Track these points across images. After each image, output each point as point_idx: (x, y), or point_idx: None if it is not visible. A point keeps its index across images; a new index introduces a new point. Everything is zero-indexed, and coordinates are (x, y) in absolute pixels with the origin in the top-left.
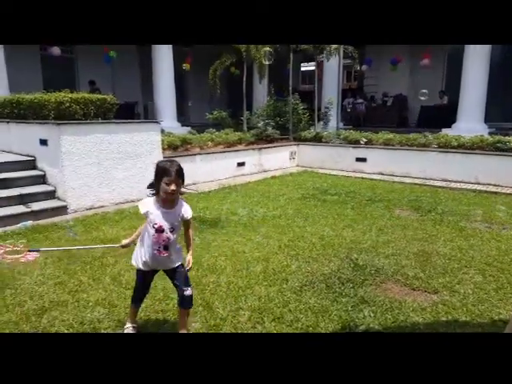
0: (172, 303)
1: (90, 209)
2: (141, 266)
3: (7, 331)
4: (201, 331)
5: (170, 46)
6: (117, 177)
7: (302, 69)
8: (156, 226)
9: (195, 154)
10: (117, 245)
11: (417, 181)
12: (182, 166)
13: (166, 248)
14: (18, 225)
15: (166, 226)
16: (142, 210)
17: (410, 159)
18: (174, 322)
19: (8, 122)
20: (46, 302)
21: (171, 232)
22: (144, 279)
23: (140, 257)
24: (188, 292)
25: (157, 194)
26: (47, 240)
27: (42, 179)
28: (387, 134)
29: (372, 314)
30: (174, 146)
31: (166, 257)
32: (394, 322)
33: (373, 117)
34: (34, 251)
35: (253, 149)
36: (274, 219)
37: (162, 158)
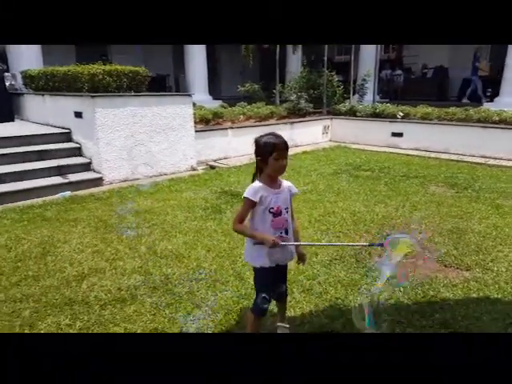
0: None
1: (125, 181)
2: (267, 262)
3: (49, 295)
4: (232, 300)
5: None
6: (150, 150)
7: None
8: (273, 210)
9: (226, 128)
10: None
11: (454, 157)
12: (215, 139)
13: (287, 232)
14: (57, 195)
15: (282, 206)
16: (256, 198)
17: (449, 134)
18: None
19: (43, 95)
20: (85, 268)
21: (287, 213)
22: (268, 280)
23: (261, 251)
24: (284, 288)
25: (261, 174)
26: (84, 210)
27: (77, 151)
28: (425, 107)
29: (402, 289)
30: (205, 120)
31: (288, 239)
32: (423, 297)
33: (411, 89)
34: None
35: (284, 123)
36: (304, 194)
37: (193, 132)
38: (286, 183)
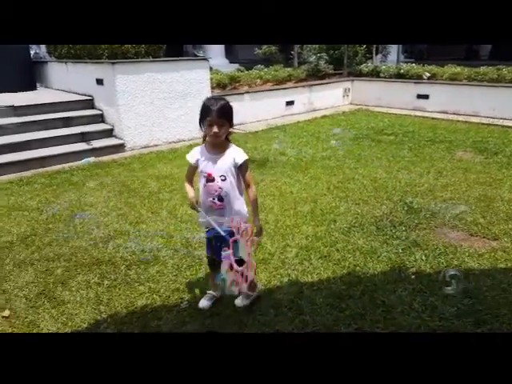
0: None
1: (146, 147)
2: (201, 223)
3: (79, 255)
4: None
5: None
6: (169, 116)
7: None
8: (205, 175)
9: (243, 93)
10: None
11: (484, 120)
12: (230, 104)
13: (221, 199)
14: (82, 161)
15: (215, 173)
16: (192, 160)
17: (479, 96)
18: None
19: (66, 63)
20: (111, 230)
21: (223, 181)
22: (209, 241)
23: (201, 212)
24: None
25: (204, 138)
26: (108, 175)
27: (100, 118)
28: (454, 67)
29: (424, 258)
30: (222, 85)
31: (221, 209)
32: (446, 266)
33: (438, 48)
34: None
35: (303, 86)
36: (323, 160)
37: None
38: (232, 151)
